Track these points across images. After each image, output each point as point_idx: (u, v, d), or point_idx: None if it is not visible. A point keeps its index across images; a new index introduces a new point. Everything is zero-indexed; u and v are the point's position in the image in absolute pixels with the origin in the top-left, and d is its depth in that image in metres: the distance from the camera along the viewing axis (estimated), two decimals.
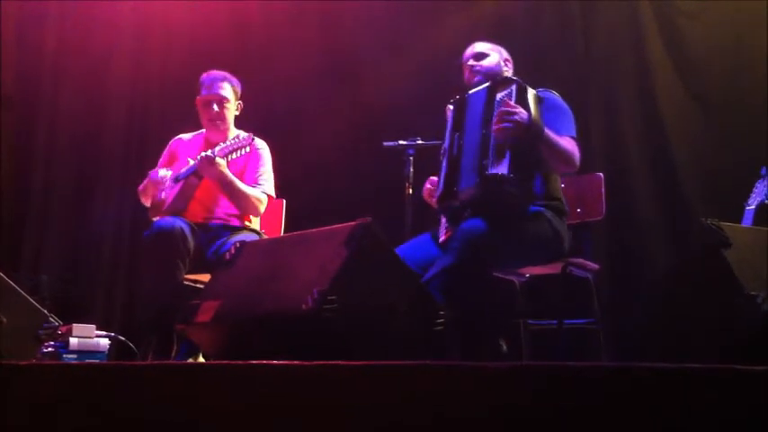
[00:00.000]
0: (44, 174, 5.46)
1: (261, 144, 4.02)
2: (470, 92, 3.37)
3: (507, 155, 3.02)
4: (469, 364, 1.72)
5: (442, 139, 3.39)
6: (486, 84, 3.29)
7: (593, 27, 5.12)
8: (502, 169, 3.01)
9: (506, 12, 5.09)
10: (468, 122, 3.26)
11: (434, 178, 3.43)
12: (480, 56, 3.51)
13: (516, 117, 3.00)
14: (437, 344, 2.69)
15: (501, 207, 3.07)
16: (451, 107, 3.40)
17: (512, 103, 3.06)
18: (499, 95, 3.16)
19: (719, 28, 4.92)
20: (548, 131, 3.08)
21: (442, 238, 3.24)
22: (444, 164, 3.30)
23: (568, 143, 3.19)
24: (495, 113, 3.09)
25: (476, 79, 3.44)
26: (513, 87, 3.13)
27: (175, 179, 3.83)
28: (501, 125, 3.01)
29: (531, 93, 3.12)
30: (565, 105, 3.34)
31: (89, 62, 5.59)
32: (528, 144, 3.05)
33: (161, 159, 4.11)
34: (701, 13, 4.97)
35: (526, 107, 3.05)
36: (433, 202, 3.38)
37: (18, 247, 5.26)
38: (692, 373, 1.57)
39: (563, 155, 3.16)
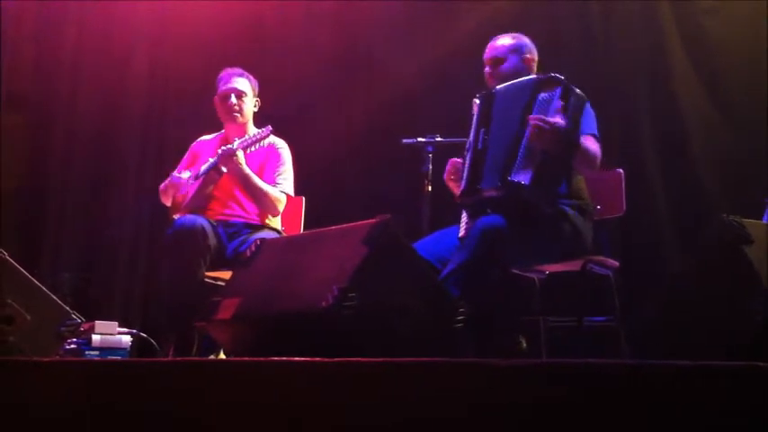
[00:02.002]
0: (63, 172, 5.50)
1: (281, 143, 4.04)
2: (498, 87, 3.30)
3: (534, 165, 2.99)
4: (489, 361, 1.72)
5: (467, 132, 3.33)
6: (530, 78, 3.24)
7: (611, 23, 5.10)
8: (524, 178, 2.98)
9: (523, 10, 5.07)
10: (498, 118, 3.20)
11: (457, 160, 3.39)
12: (496, 62, 3.44)
13: (552, 129, 2.94)
14: (455, 342, 2.69)
15: (522, 209, 3.06)
16: (478, 101, 3.34)
17: (551, 113, 3.01)
18: (542, 96, 3.09)
19: (738, 24, 4.88)
20: (582, 140, 3.06)
21: (461, 233, 3.24)
22: (468, 159, 3.25)
23: (591, 143, 3.15)
24: (533, 114, 3.04)
25: (493, 84, 3.37)
26: (558, 91, 3.06)
27: (196, 177, 3.86)
28: (537, 133, 2.96)
29: (575, 96, 3.05)
30: (588, 105, 3.26)
31: (107, 62, 5.63)
32: (559, 155, 3.02)
33: (183, 161, 4.14)
34: (720, 10, 4.93)
35: (566, 114, 2.99)
36: (453, 186, 3.36)
37: (38, 245, 5.31)
38: (712, 371, 1.57)
39: (587, 158, 3.13)
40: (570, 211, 3.19)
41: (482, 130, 3.22)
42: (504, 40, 3.48)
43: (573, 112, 3.03)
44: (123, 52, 5.67)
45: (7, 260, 3.28)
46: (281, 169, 3.97)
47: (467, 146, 3.30)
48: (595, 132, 3.21)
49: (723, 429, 1.52)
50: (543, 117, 2.98)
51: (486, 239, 2.95)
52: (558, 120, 2.97)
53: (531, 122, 2.98)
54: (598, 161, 3.17)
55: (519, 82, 3.24)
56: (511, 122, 3.12)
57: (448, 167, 3.44)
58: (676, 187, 4.78)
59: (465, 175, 3.23)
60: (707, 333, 3.02)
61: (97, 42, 5.64)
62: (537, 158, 3.00)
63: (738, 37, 4.85)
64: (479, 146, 3.20)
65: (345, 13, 5.57)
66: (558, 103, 3.02)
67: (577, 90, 3.22)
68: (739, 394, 1.53)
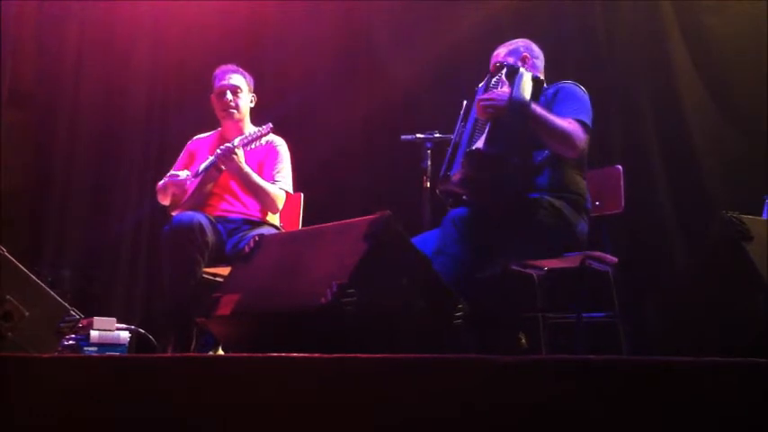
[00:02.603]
0: (65, 169, 5.51)
1: (279, 141, 4.05)
2: (478, 86, 3.41)
3: (485, 131, 3.11)
4: (490, 357, 1.72)
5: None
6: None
7: (614, 22, 5.09)
8: (478, 144, 3.09)
9: (525, 9, 5.06)
10: (472, 113, 3.34)
11: None
12: (498, 68, 3.51)
13: (495, 96, 3.11)
14: (456, 338, 2.69)
15: (491, 189, 3.11)
16: (465, 102, 3.47)
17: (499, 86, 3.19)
18: (493, 81, 3.26)
19: (741, 23, 4.88)
20: (538, 109, 3.12)
21: None
22: (448, 151, 3.37)
23: (569, 123, 3.17)
24: None
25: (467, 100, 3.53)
26: (503, 71, 3.23)
27: (195, 174, 3.86)
28: (482, 107, 3.13)
29: (522, 74, 3.18)
30: (581, 94, 3.34)
31: (109, 60, 5.64)
32: (509, 120, 3.09)
33: (179, 160, 4.14)
34: (722, 9, 4.93)
35: (513, 85, 3.13)
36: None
37: (39, 242, 5.31)
38: (713, 367, 1.56)
39: (558, 133, 3.15)
40: (557, 202, 3.19)
41: (461, 125, 3.39)
42: (502, 48, 3.62)
43: (517, 86, 3.15)
44: (125, 50, 5.69)
45: (6, 256, 3.27)
46: (280, 166, 3.97)
47: (452, 142, 3.43)
48: (581, 118, 3.22)
49: (724, 425, 1.51)
50: (487, 93, 3.17)
51: (455, 227, 3.00)
52: (504, 89, 3.16)
53: (478, 104, 3.16)
54: (575, 140, 3.16)
55: (484, 80, 3.39)
56: (475, 111, 3.28)
57: None
58: (678, 184, 4.79)
59: (444, 166, 3.35)
60: (707, 330, 3.01)
61: (99, 41, 5.65)
62: (488, 127, 3.14)
63: (740, 35, 4.85)
64: (456, 138, 3.37)
65: (345, 12, 5.58)
66: (505, 82, 3.19)
67: (574, 85, 3.36)
68: (740, 391, 1.52)
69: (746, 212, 3.06)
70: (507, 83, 3.17)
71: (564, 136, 3.15)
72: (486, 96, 3.15)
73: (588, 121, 3.22)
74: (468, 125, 3.31)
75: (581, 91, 3.34)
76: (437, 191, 3.40)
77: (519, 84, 3.15)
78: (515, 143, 3.15)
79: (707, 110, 4.88)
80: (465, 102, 3.46)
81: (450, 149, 3.37)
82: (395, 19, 5.48)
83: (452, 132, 3.86)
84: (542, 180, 3.23)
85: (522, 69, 3.22)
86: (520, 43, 3.60)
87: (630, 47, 5.04)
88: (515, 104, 3.08)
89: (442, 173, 3.32)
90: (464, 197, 3.26)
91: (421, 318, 2.57)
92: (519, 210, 3.16)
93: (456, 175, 3.22)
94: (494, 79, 3.27)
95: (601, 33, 5.08)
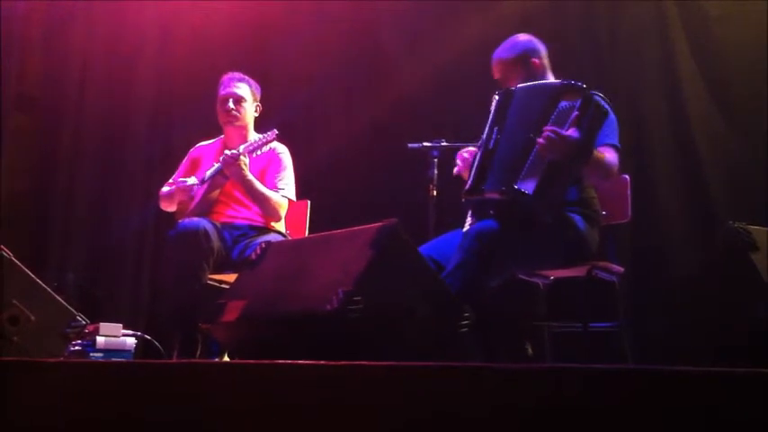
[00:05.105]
0: (70, 173, 5.52)
1: (282, 148, 4.04)
2: (520, 86, 3.25)
3: (539, 175, 2.95)
4: (495, 365, 1.72)
5: (483, 128, 3.26)
6: (554, 82, 3.18)
7: (619, 27, 5.09)
8: (528, 187, 2.95)
9: (531, 11, 5.06)
10: (512, 118, 3.15)
11: (472, 149, 3.32)
12: (497, 65, 3.43)
13: (563, 142, 2.89)
14: (461, 346, 2.68)
15: (523, 214, 3.04)
16: (497, 98, 3.27)
17: (568, 124, 2.96)
18: (562, 104, 3.04)
19: (745, 28, 4.86)
20: (597, 154, 3.01)
21: (465, 229, 3.22)
22: (479, 156, 3.19)
23: (609, 155, 3.10)
24: (550, 121, 2.99)
25: (497, 92, 3.32)
26: (579, 102, 2.99)
27: (201, 181, 3.87)
28: (548, 144, 2.91)
29: (594, 107, 2.99)
30: (611, 114, 3.22)
31: (115, 64, 5.65)
32: (568, 166, 2.98)
33: (181, 167, 4.13)
34: (727, 14, 4.92)
35: (582, 126, 2.94)
36: (464, 175, 3.30)
37: (44, 246, 5.32)
38: (718, 377, 1.56)
39: (603, 170, 3.09)
40: (576, 218, 3.17)
41: (495, 128, 3.17)
42: (503, 54, 3.44)
43: (589, 124, 2.97)
44: (131, 54, 5.70)
45: (12, 261, 3.29)
46: (283, 174, 3.96)
47: (479, 142, 3.25)
48: (615, 142, 3.16)
49: None
50: (557, 129, 2.92)
51: (479, 243, 2.94)
52: (572, 132, 2.93)
53: (545, 133, 2.93)
54: (614, 170, 3.12)
55: (541, 84, 3.20)
56: (525, 126, 3.08)
57: (459, 161, 3.36)
58: (684, 194, 4.77)
59: (472, 173, 3.19)
60: (713, 338, 3.01)
61: (105, 44, 5.66)
62: (543, 168, 2.97)
63: (747, 44, 4.83)
64: (490, 145, 3.15)
65: (353, 18, 5.58)
66: (576, 114, 2.96)
67: (600, 99, 3.17)
68: (746, 401, 1.52)
69: (752, 222, 3.06)
70: (577, 119, 2.94)
71: (605, 169, 3.09)
72: (555, 135, 2.90)
73: (618, 144, 3.17)
74: (511, 135, 3.11)
75: (609, 108, 3.22)
76: (462, 199, 3.23)
77: (590, 124, 2.97)
78: (564, 187, 3.07)
79: (713, 118, 4.87)
80: (497, 98, 3.26)
81: (480, 153, 3.19)
82: (402, 25, 5.47)
83: (459, 140, 3.83)
84: (569, 197, 3.20)
85: (596, 101, 3.01)
86: (522, 45, 3.41)
87: (635, 54, 5.03)
88: (580, 152, 2.94)
89: (471, 181, 3.16)
90: (491, 211, 3.10)
91: (426, 325, 2.57)
92: (545, 229, 3.10)
93: (490, 194, 3.09)
94: (563, 103, 3.03)
95: (604, 38, 5.08)
